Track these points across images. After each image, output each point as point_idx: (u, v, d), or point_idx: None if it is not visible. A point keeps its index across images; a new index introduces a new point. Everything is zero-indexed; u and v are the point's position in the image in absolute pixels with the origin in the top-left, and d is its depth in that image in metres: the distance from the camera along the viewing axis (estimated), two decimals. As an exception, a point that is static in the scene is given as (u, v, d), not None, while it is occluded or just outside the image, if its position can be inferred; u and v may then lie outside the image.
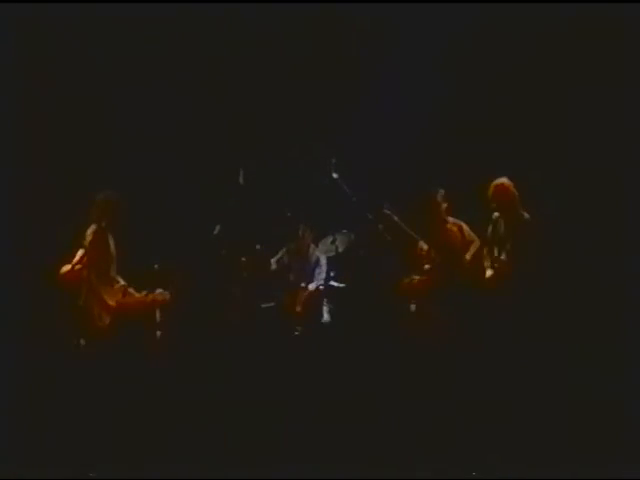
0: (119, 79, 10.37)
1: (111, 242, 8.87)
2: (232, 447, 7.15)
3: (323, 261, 10.28)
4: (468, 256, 9.65)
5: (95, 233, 8.73)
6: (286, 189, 10.57)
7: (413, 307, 9.54)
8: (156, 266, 9.04)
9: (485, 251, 9.29)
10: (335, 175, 9.83)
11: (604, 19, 9.64)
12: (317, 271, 10.26)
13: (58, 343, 8.48)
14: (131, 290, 8.87)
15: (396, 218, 9.65)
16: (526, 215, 9.04)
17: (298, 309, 9.78)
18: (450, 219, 9.78)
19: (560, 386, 7.66)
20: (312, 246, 10.32)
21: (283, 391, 7.85)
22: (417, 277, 9.66)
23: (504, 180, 9.03)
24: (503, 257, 9.12)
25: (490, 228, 9.20)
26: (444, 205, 9.72)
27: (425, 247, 9.65)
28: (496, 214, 9.16)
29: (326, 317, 10.01)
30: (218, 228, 9.67)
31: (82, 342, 8.36)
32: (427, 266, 9.61)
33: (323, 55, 10.58)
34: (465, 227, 9.77)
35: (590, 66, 9.86)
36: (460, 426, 7.23)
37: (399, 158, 10.36)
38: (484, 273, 9.22)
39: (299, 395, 7.78)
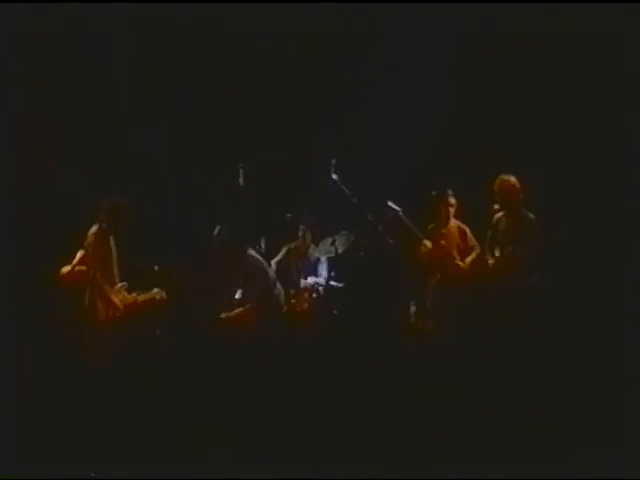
0: (121, 81, 10.43)
1: (112, 243, 8.89)
2: (232, 447, 7.14)
3: (323, 261, 10.29)
4: (468, 260, 9.65)
5: (96, 234, 8.76)
6: (286, 190, 10.58)
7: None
8: (156, 267, 9.06)
9: (486, 251, 9.30)
10: (335, 176, 9.84)
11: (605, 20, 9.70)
12: (317, 271, 10.26)
13: (59, 342, 8.48)
14: (125, 292, 8.90)
15: (400, 212, 9.61)
16: (531, 216, 9.05)
17: (298, 309, 9.79)
18: (456, 221, 9.75)
19: (559, 385, 7.67)
20: (312, 247, 10.34)
21: (283, 391, 7.85)
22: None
23: (511, 177, 8.99)
24: (502, 255, 9.14)
25: (490, 229, 9.22)
26: (452, 206, 9.70)
27: (429, 244, 9.62)
28: (499, 214, 9.17)
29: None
30: (218, 229, 9.67)
31: (84, 340, 8.38)
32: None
33: (323, 55, 10.60)
34: (469, 232, 9.72)
35: (592, 67, 9.91)
36: (460, 427, 7.23)
37: (399, 159, 10.38)
38: (476, 278, 9.26)
39: (299, 395, 7.78)
